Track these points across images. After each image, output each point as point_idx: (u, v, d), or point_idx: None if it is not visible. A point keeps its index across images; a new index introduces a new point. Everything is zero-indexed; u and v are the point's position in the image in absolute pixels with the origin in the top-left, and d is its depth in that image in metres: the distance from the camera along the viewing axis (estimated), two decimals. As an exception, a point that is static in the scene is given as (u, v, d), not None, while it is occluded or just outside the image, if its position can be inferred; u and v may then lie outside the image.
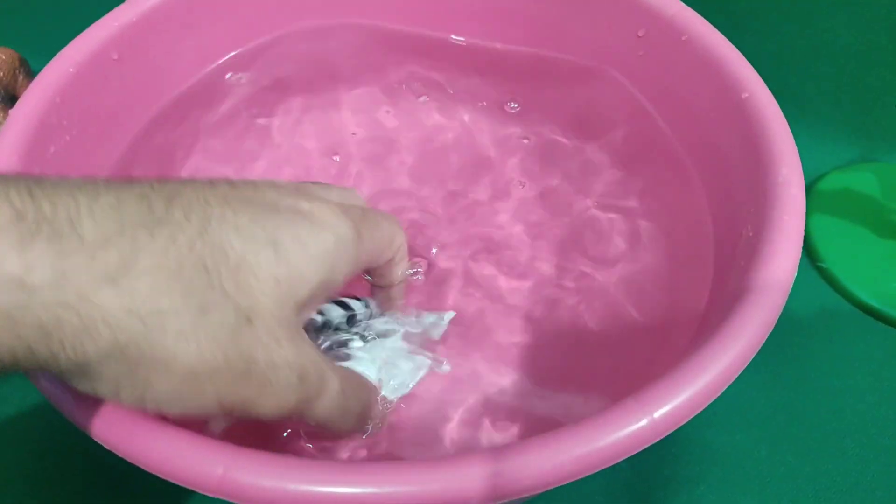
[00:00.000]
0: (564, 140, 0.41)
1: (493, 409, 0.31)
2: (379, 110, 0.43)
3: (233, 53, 0.43)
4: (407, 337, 0.30)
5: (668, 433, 0.21)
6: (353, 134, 0.42)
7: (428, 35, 0.44)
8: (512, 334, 0.34)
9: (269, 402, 0.21)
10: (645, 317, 0.34)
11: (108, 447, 0.21)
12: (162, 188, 0.20)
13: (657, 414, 0.21)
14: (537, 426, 0.30)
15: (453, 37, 0.44)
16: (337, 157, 0.41)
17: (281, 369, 0.21)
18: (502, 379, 0.32)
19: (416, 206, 0.39)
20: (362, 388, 0.27)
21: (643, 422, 0.21)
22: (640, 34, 0.38)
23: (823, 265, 0.43)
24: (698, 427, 0.23)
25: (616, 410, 0.22)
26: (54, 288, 0.17)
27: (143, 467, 0.21)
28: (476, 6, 0.42)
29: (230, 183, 0.22)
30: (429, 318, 0.31)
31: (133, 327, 0.18)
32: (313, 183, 0.27)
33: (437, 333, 0.31)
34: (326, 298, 0.26)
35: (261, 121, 0.42)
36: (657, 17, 0.36)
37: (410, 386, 0.29)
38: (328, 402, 0.23)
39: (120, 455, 0.21)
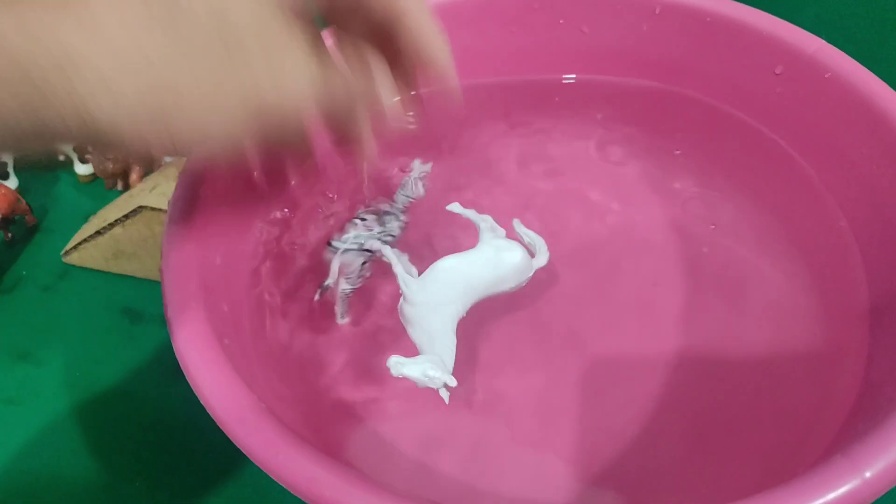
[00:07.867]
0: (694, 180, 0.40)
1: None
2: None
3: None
4: None
5: (883, 493, 0.21)
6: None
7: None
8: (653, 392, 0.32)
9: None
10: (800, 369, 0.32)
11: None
12: None
13: (869, 473, 0.21)
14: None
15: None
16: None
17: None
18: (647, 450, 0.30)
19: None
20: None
21: (855, 481, 0.21)
22: (777, 72, 0.37)
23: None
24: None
25: (824, 469, 0.21)
26: None
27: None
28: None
29: None
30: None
31: None
32: None
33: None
34: None
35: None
36: (798, 53, 0.36)
37: None
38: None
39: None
